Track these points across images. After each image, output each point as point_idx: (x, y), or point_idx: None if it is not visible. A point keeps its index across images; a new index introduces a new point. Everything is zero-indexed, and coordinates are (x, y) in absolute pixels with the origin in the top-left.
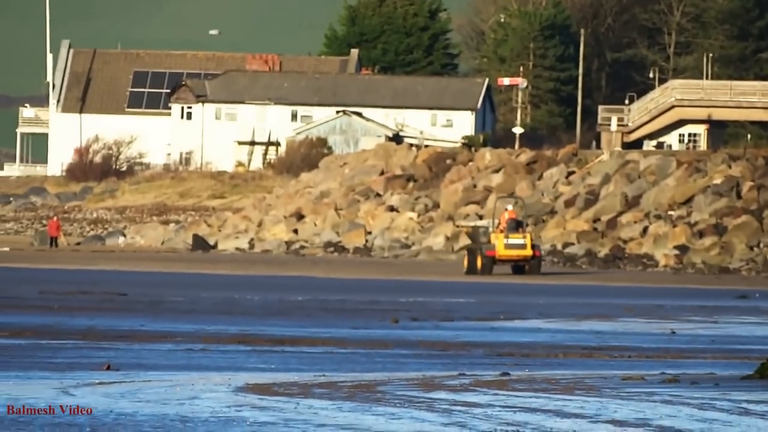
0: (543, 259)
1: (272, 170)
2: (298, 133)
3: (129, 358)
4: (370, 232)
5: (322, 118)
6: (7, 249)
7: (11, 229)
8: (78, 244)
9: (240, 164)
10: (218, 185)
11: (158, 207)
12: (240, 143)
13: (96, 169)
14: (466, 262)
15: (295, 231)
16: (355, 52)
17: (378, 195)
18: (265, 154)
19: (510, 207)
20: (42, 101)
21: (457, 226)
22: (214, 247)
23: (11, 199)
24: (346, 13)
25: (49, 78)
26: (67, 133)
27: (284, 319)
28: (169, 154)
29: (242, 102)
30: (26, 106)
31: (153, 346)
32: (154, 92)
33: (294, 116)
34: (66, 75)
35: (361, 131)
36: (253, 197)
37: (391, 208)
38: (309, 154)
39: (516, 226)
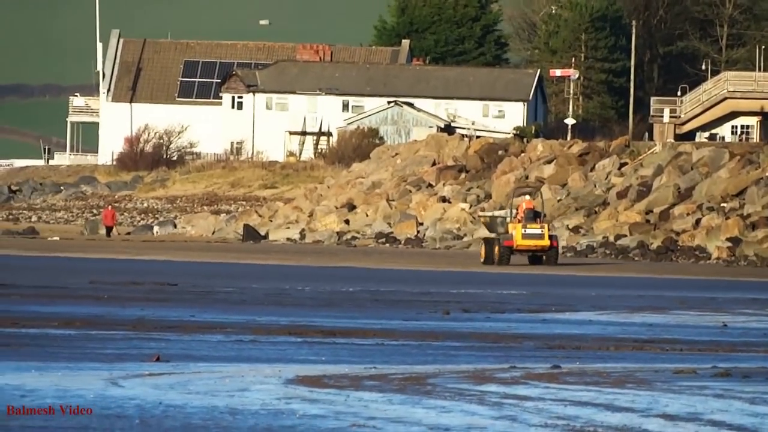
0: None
1: (323, 160)
2: (349, 123)
3: (179, 350)
4: (421, 223)
5: (373, 108)
6: (57, 238)
7: (61, 218)
8: (128, 233)
9: (291, 154)
10: (269, 175)
11: (209, 197)
12: (291, 133)
13: (146, 159)
14: (483, 252)
15: (347, 221)
16: (406, 42)
17: (430, 186)
18: (317, 144)
19: (528, 197)
20: (92, 90)
21: (476, 217)
22: (265, 237)
23: (62, 188)
24: (396, 3)
25: (99, 67)
26: (117, 122)
27: (335, 310)
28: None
29: (293, 92)
30: (77, 96)
31: (203, 338)
32: (205, 82)
33: (345, 106)
34: (116, 64)
35: (412, 122)
36: (304, 187)
37: (443, 199)
38: (360, 145)
39: (534, 216)
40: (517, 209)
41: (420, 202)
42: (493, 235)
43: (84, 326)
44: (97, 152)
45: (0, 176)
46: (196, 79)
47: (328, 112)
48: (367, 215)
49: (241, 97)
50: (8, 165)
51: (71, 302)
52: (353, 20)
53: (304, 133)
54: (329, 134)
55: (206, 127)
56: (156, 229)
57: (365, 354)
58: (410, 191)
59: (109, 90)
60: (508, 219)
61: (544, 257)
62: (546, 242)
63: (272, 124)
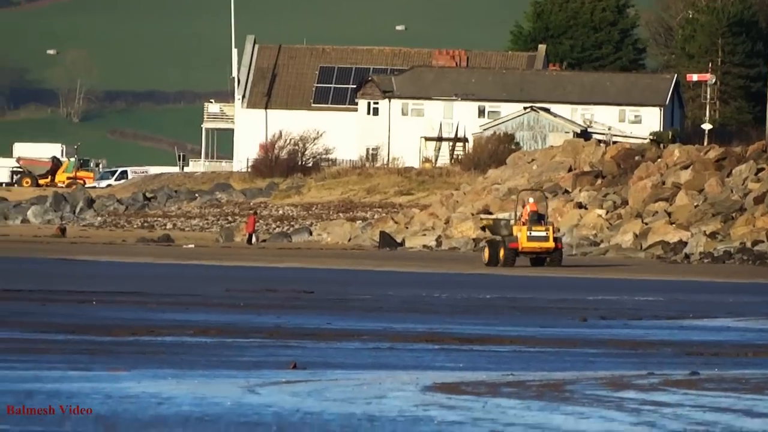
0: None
1: (459, 166)
2: (485, 129)
3: (315, 357)
4: (558, 230)
5: (509, 113)
6: (192, 246)
7: (196, 226)
8: (264, 241)
9: (427, 160)
10: (405, 181)
11: (345, 204)
12: (427, 139)
13: (282, 165)
14: (486, 254)
15: (483, 228)
16: (542, 47)
17: (566, 192)
18: (452, 150)
19: (532, 200)
20: (227, 97)
21: (480, 219)
22: (401, 244)
23: (197, 195)
24: (532, 8)
25: (235, 74)
26: (252, 128)
27: (472, 317)
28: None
29: (429, 98)
30: (212, 102)
31: (340, 345)
32: (340, 88)
33: (481, 112)
34: (251, 71)
35: (548, 127)
36: (440, 194)
37: (579, 205)
38: (496, 150)
39: (538, 218)
40: (521, 212)
41: (556, 208)
42: (497, 238)
43: (220, 334)
44: (231, 159)
45: (135, 183)
46: (332, 85)
47: (464, 118)
48: None
49: (377, 103)
50: (143, 172)
51: (207, 310)
52: (490, 26)
53: (439, 139)
54: (465, 140)
55: (341, 133)
56: (293, 236)
57: (502, 361)
58: (546, 197)
59: (244, 96)
60: (512, 222)
61: (548, 259)
62: (551, 244)
63: (408, 130)
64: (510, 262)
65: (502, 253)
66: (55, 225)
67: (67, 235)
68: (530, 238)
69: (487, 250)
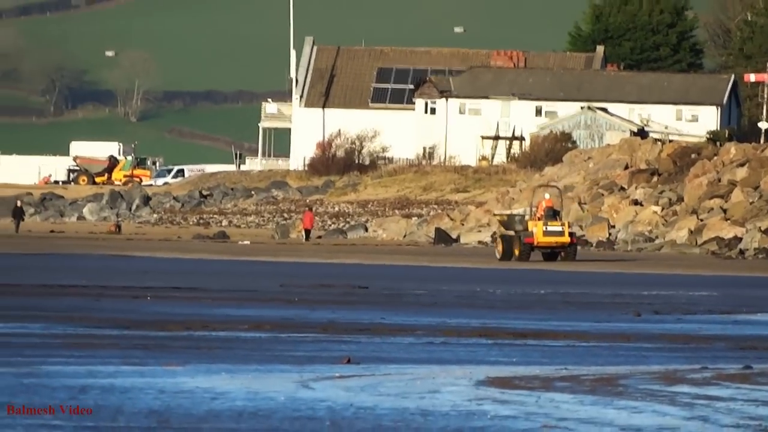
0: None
1: (516, 164)
2: (542, 129)
3: (369, 352)
4: (613, 226)
5: (566, 113)
6: (248, 242)
7: (252, 222)
8: (319, 237)
9: (483, 158)
10: (461, 179)
11: (401, 201)
12: (484, 138)
13: (338, 164)
14: (500, 249)
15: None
16: (600, 49)
17: (622, 189)
18: (509, 148)
19: (548, 195)
20: (285, 97)
21: (494, 215)
22: (457, 240)
23: (253, 192)
24: (591, 10)
25: (293, 74)
26: (309, 128)
27: (526, 312)
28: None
29: (486, 97)
30: (269, 102)
31: (393, 340)
32: (398, 88)
33: (538, 111)
34: (309, 71)
35: (605, 126)
36: (496, 191)
37: (635, 202)
38: (553, 149)
39: (553, 214)
40: (536, 207)
41: (612, 205)
42: (510, 233)
43: (274, 329)
44: (288, 158)
45: (192, 181)
46: (390, 86)
47: (521, 118)
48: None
49: (434, 103)
50: (200, 170)
51: (261, 305)
52: (547, 27)
53: (496, 138)
54: (522, 139)
55: (399, 132)
56: (348, 233)
57: (556, 355)
58: (602, 194)
59: (301, 96)
60: (527, 217)
61: (562, 253)
62: (566, 239)
63: (465, 128)
64: (525, 256)
65: (517, 247)
66: (111, 222)
67: (122, 232)
68: (546, 233)
69: (500, 245)
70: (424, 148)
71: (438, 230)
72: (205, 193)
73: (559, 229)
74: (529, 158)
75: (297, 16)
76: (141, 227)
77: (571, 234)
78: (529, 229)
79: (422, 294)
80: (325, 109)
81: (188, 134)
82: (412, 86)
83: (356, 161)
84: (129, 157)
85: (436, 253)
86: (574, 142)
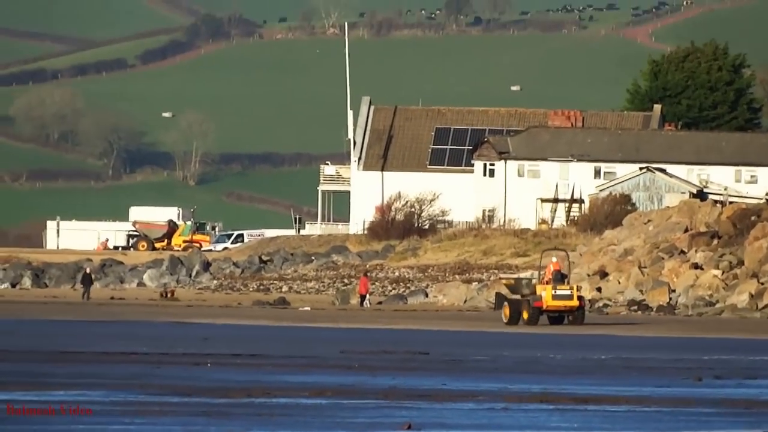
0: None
1: (575, 227)
2: (601, 190)
3: (430, 417)
4: (673, 290)
5: (625, 174)
6: (308, 308)
7: (312, 288)
8: (380, 303)
9: (543, 221)
10: (521, 243)
11: (461, 265)
12: (543, 200)
13: (398, 228)
14: (507, 313)
15: (599, 289)
16: (658, 107)
17: (682, 252)
18: (568, 211)
19: (555, 259)
20: (343, 158)
21: (500, 279)
22: None
23: (313, 258)
24: (649, 68)
25: (350, 135)
26: (368, 190)
27: (587, 377)
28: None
29: (545, 159)
30: (327, 164)
31: (455, 405)
32: (456, 149)
33: (597, 173)
34: (367, 132)
35: (664, 188)
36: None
37: (696, 266)
38: (612, 211)
39: (561, 277)
40: (544, 271)
41: (672, 268)
42: (517, 297)
43: (335, 395)
44: (347, 221)
45: (251, 246)
46: (447, 147)
47: (580, 179)
48: (619, 282)
49: (492, 164)
50: (259, 235)
51: (322, 372)
52: (604, 86)
53: (555, 200)
54: (581, 201)
55: (457, 194)
56: (408, 298)
57: (617, 420)
58: (662, 258)
59: (360, 158)
60: (534, 281)
61: (569, 317)
62: (575, 303)
63: (524, 191)
64: (534, 320)
65: (526, 311)
66: (166, 288)
67: (170, 298)
68: (555, 297)
69: (507, 309)
70: (484, 211)
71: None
72: (265, 258)
73: (568, 292)
74: (588, 221)
75: (354, 76)
76: (201, 293)
77: (579, 298)
78: (538, 293)
79: (483, 359)
80: (384, 172)
81: (246, 198)
82: (469, 147)
83: (416, 225)
84: (188, 222)
85: (497, 318)
86: (633, 204)
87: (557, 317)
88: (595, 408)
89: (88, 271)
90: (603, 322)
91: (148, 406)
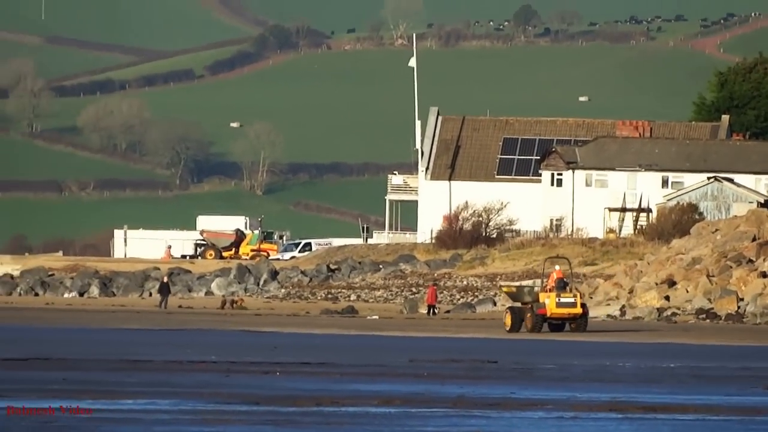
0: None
1: (643, 237)
2: (669, 199)
3: (499, 426)
4: (742, 299)
5: (692, 184)
6: (376, 317)
7: (380, 297)
8: (448, 312)
9: (611, 231)
10: (589, 252)
11: (529, 274)
12: (610, 210)
13: (466, 237)
14: (509, 321)
15: (667, 298)
16: (725, 118)
17: (750, 261)
18: (636, 220)
19: (558, 267)
20: (411, 168)
21: (501, 287)
22: None
23: (380, 266)
24: (716, 79)
25: (418, 145)
26: (435, 200)
27: (655, 386)
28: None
29: (612, 168)
30: (395, 174)
31: (523, 414)
32: (524, 159)
33: (664, 182)
34: (435, 142)
35: (732, 197)
36: (624, 264)
37: (764, 274)
38: (680, 221)
39: (563, 285)
40: (547, 279)
41: (740, 277)
42: (519, 305)
43: (404, 404)
44: (415, 230)
45: (319, 255)
46: (515, 156)
47: (648, 189)
48: (687, 291)
49: (560, 174)
50: (327, 244)
51: (391, 380)
52: (672, 96)
53: (623, 210)
54: (649, 210)
55: (525, 204)
56: (477, 307)
57: (686, 429)
58: (730, 267)
59: (427, 168)
60: (536, 288)
61: (572, 324)
62: (578, 310)
63: (591, 200)
64: (537, 328)
65: (529, 319)
66: (225, 297)
67: (238, 307)
68: (559, 305)
69: (509, 317)
70: (551, 220)
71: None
72: (332, 267)
73: (572, 300)
74: (656, 230)
75: (422, 86)
76: (269, 302)
77: (582, 305)
78: (541, 301)
79: (552, 368)
80: (451, 182)
81: (314, 207)
82: (537, 157)
83: (483, 234)
84: (256, 231)
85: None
86: (701, 214)
87: (559, 325)
88: (664, 417)
89: (165, 280)
90: (665, 329)
91: (216, 415)
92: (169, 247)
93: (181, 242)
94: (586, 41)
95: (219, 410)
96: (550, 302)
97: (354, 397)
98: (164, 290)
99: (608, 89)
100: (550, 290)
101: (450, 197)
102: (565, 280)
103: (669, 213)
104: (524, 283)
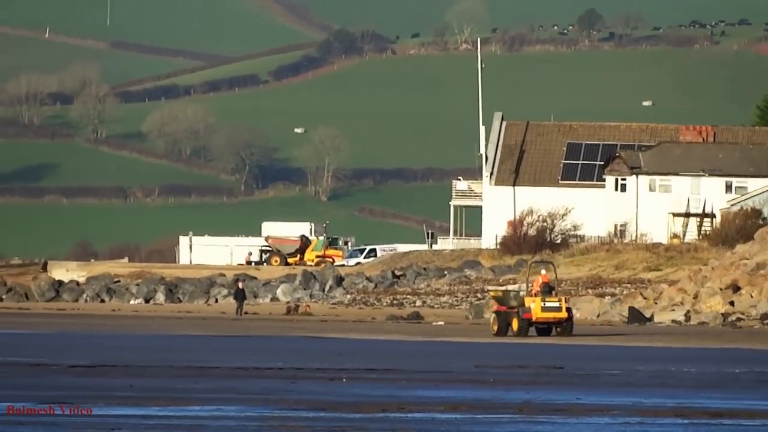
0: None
1: (707, 242)
2: (732, 204)
3: None
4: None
5: (756, 189)
6: (442, 323)
7: (446, 303)
8: None
9: (675, 236)
10: (653, 257)
11: (593, 280)
12: (674, 215)
13: (530, 242)
14: (495, 325)
15: (731, 303)
16: None
17: None
18: (700, 225)
19: (543, 271)
20: (475, 174)
21: (488, 291)
22: (650, 319)
23: (446, 272)
24: None
25: (482, 150)
26: (500, 205)
27: (721, 391)
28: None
29: (676, 173)
30: (459, 179)
31: (589, 420)
32: (588, 164)
33: (728, 187)
34: (499, 147)
35: None
36: (689, 269)
37: None
38: (744, 226)
39: (549, 290)
40: (532, 283)
41: None
42: (505, 309)
43: (470, 410)
44: (479, 236)
45: (384, 261)
46: (579, 162)
47: (711, 193)
48: (752, 296)
49: (624, 179)
50: (392, 250)
51: (457, 386)
52: (736, 101)
53: (687, 215)
54: (713, 216)
55: (589, 209)
56: None
57: None
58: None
59: (492, 173)
60: (522, 293)
61: (557, 329)
62: (564, 314)
63: (655, 205)
64: (523, 332)
65: (515, 323)
66: (290, 303)
67: (304, 313)
68: (544, 309)
69: (495, 321)
70: (615, 226)
71: (631, 309)
72: (398, 273)
73: (557, 304)
74: (720, 236)
75: (486, 92)
76: (334, 308)
77: (567, 309)
78: (527, 305)
79: (617, 374)
80: (516, 187)
81: (379, 213)
82: (601, 162)
83: (548, 239)
84: (321, 237)
85: (631, 332)
86: (765, 219)
87: (545, 329)
88: (730, 422)
89: (240, 286)
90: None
91: (283, 421)
92: (250, 253)
93: (247, 248)
94: (650, 45)
95: (285, 416)
96: (535, 306)
97: (420, 403)
98: (239, 296)
99: (672, 94)
100: (536, 294)
101: (514, 202)
102: (550, 284)
103: (733, 218)
104: (510, 287)
